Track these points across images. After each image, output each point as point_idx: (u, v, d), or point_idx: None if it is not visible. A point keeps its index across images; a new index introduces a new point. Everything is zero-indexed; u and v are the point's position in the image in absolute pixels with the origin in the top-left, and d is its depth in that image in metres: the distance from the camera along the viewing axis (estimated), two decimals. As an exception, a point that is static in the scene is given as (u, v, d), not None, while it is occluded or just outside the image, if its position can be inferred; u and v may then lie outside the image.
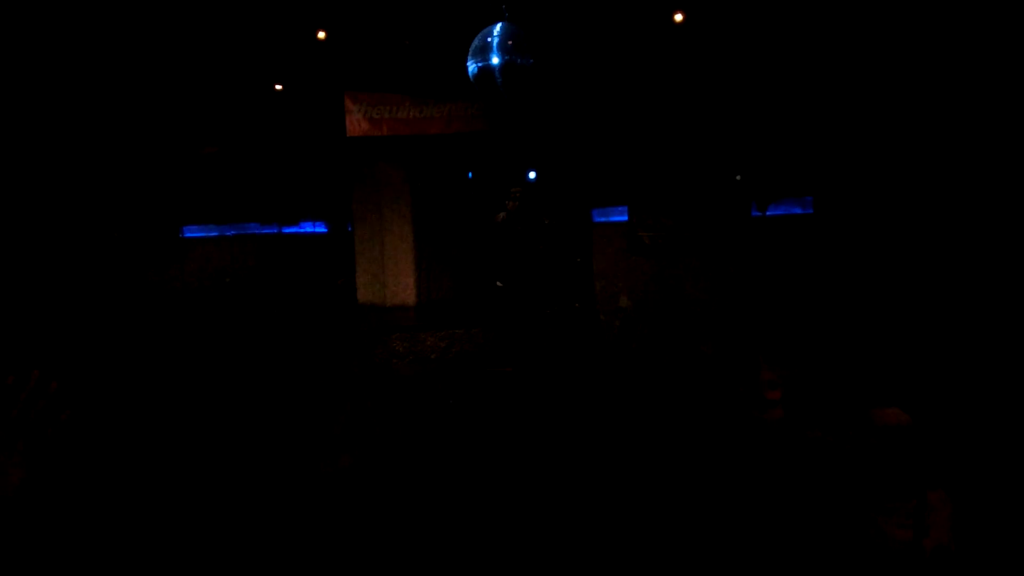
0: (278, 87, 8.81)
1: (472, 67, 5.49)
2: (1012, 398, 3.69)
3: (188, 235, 10.93)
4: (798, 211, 7.90)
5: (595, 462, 2.74)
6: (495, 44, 5.39)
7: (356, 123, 9.03)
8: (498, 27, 5.45)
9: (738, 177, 8.00)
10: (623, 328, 9.70)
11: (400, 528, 2.30)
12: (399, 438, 3.62)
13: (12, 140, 8.25)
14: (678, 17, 6.85)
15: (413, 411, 7.04)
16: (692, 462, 2.74)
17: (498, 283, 8.13)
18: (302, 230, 11.42)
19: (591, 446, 2.92)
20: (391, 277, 10.79)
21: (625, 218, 9.59)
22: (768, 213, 8.11)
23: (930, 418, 3.17)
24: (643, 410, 3.59)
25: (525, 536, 2.50)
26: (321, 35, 7.13)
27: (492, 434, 3.11)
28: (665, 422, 3.30)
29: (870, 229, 7.12)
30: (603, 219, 9.90)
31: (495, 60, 5.39)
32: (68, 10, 6.50)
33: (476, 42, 5.50)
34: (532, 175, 10.77)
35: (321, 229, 11.55)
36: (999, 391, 4.15)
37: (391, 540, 2.29)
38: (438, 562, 2.27)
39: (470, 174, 11.17)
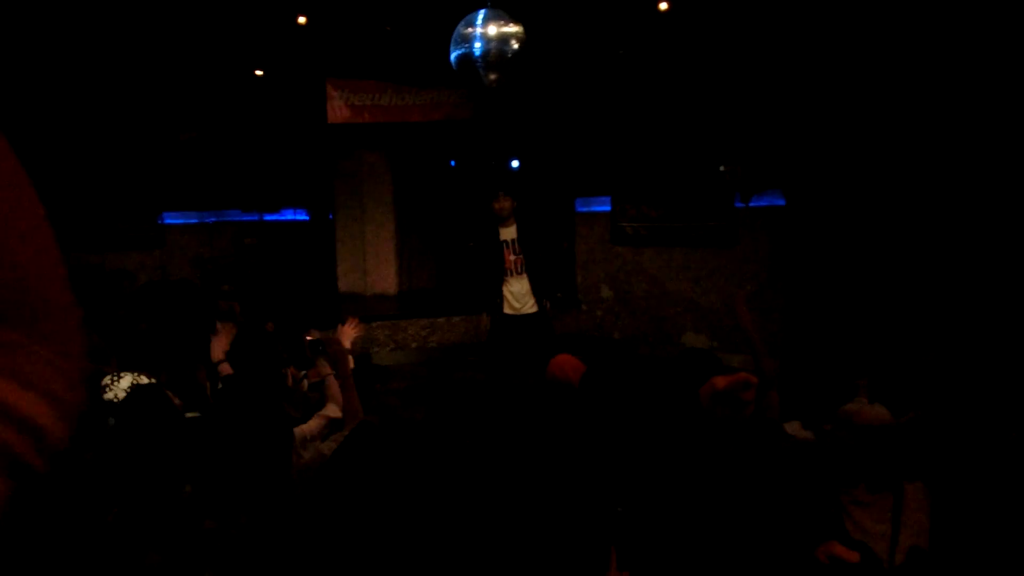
0: (258, 73, 8.70)
1: (454, 54, 5.44)
2: (991, 393, 3.70)
3: (168, 222, 10.81)
4: (782, 203, 7.91)
5: (573, 455, 2.72)
6: (478, 31, 5.34)
7: (337, 110, 8.95)
8: (481, 14, 5.40)
9: (722, 168, 7.99)
10: (604, 318, 9.71)
11: (376, 521, 2.26)
12: (383, 425, 3.56)
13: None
14: (663, 6, 6.81)
15: (394, 399, 7.01)
16: (665, 456, 2.72)
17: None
18: (283, 217, 11.32)
19: (566, 438, 2.89)
20: (372, 266, 10.76)
21: (608, 208, 9.58)
22: (752, 204, 8.11)
23: (910, 413, 3.17)
24: (619, 402, 3.56)
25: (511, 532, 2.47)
26: (302, 20, 7.04)
27: (471, 422, 3.08)
28: (639, 415, 3.28)
29: (841, 220, 7.14)
30: (585, 209, 9.88)
31: (477, 47, 5.33)
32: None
33: (459, 29, 5.44)
34: (515, 164, 10.74)
35: (302, 217, 11.46)
36: (978, 385, 4.17)
37: (366, 534, 2.25)
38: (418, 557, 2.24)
39: (452, 162, 11.12)
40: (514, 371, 6.35)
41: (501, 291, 6.37)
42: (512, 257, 6.30)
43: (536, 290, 6.37)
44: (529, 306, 6.40)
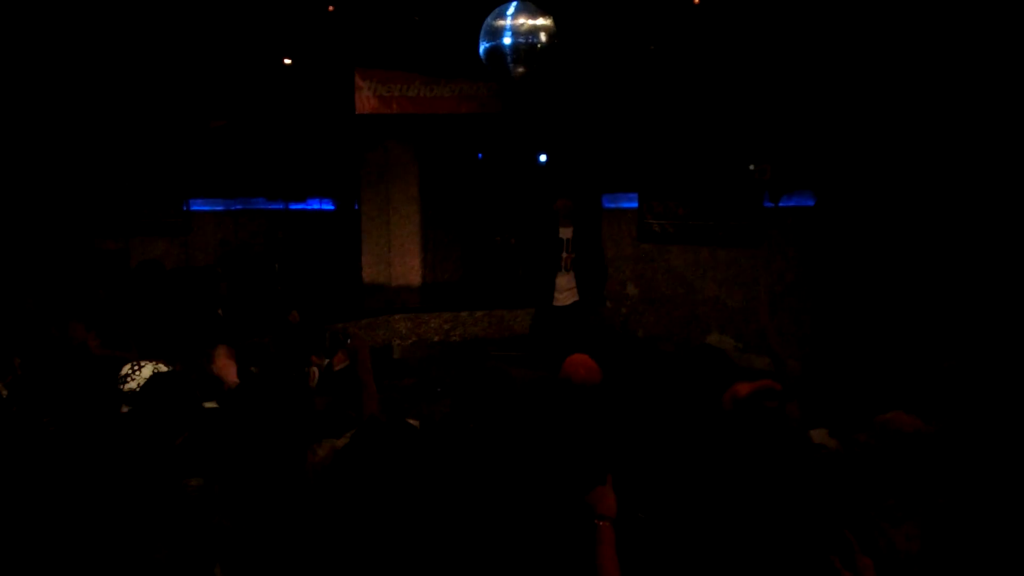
0: (287, 61, 8.69)
1: (484, 46, 5.38)
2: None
3: (194, 208, 10.86)
4: (811, 203, 7.76)
5: (592, 455, 2.65)
6: (508, 23, 5.27)
7: (365, 100, 8.92)
8: (512, 6, 5.33)
9: (751, 167, 7.86)
10: (629, 316, 9.61)
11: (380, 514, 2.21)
12: (389, 422, 3.50)
13: (10, 113, 8.16)
14: (696, 0, 6.71)
15: (411, 393, 6.97)
16: (685, 461, 2.64)
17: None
18: (309, 207, 11.33)
19: (585, 436, 2.82)
20: (397, 257, 10.72)
21: (635, 205, 9.48)
22: (781, 204, 7.97)
23: (941, 422, 3.07)
24: (639, 401, 3.49)
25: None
26: (331, 8, 7.01)
27: (487, 419, 3.02)
28: (658, 415, 3.21)
29: (872, 221, 6.99)
30: (613, 205, 9.78)
31: (507, 40, 5.27)
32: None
33: (489, 20, 5.39)
34: (543, 158, 10.66)
35: (328, 206, 11.47)
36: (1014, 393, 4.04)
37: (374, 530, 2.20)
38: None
39: (480, 155, 11.07)
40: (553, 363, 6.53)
41: (553, 284, 7.17)
42: (565, 255, 7.15)
43: (579, 284, 7.24)
44: (570, 298, 7.22)
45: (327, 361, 5.29)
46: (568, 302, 7.21)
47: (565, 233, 7.12)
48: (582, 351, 3.78)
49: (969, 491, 2.62)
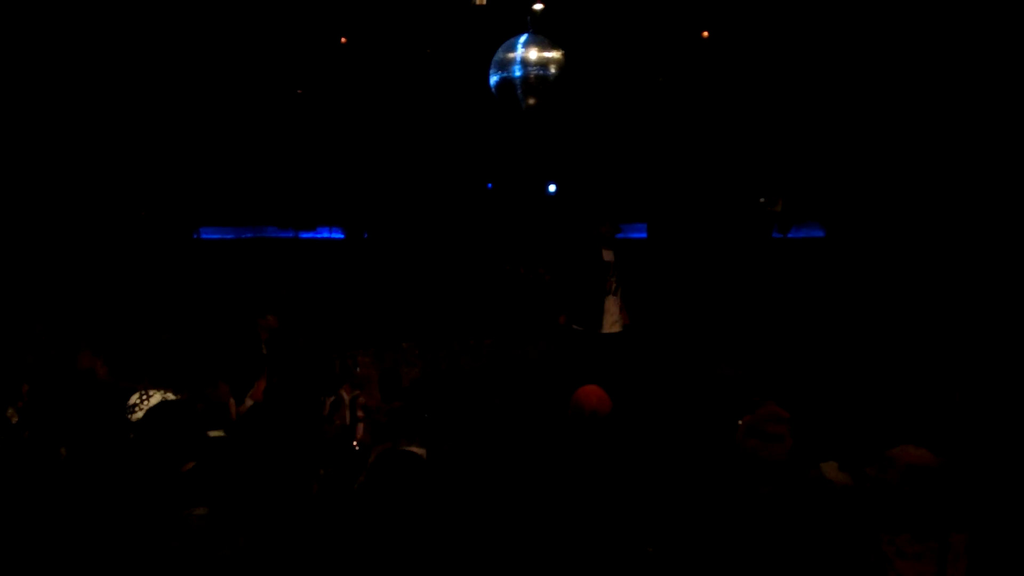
0: (299, 91, 8.79)
1: (494, 78, 5.44)
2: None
3: (205, 236, 10.88)
4: (820, 235, 7.76)
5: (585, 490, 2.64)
6: (518, 56, 5.33)
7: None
8: (522, 39, 5.39)
9: (761, 199, 7.87)
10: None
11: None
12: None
13: (17, 145, 8.22)
14: (704, 34, 6.77)
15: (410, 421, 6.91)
16: (696, 495, 2.63)
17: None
18: (319, 235, 11.35)
19: (596, 466, 2.81)
20: (407, 285, 10.72)
21: (643, 235, 9.48)
22: (790, 235, 7.97)
23: (952, 456, 3.04)
24: (644, 432, 3.48)
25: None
26: (344, 40, 7.11)
27: (496, 451, 3.01)
28: (662, 445, 3.20)
29: (883, 252, 6.98)
30: (621, 235, 9.77)
31: (517, 72, 5.32)
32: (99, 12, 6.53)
33: (499, 53, 5.45)
34: (552, 188, 10.69)
35: (338, 235, 11.48)
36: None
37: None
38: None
39: (490, 184, 11.10)
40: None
41: (602, 309, 6.71)
42: (610, 278, 6.77)
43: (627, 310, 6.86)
44: (618, 324, 6.78)
45: (334, 398, 5.29)
46: (616, 328, 6.81)
47: (608, 256, 6.83)
48: (594, 382, 3.77)
49: (981, 524, 2.59)
